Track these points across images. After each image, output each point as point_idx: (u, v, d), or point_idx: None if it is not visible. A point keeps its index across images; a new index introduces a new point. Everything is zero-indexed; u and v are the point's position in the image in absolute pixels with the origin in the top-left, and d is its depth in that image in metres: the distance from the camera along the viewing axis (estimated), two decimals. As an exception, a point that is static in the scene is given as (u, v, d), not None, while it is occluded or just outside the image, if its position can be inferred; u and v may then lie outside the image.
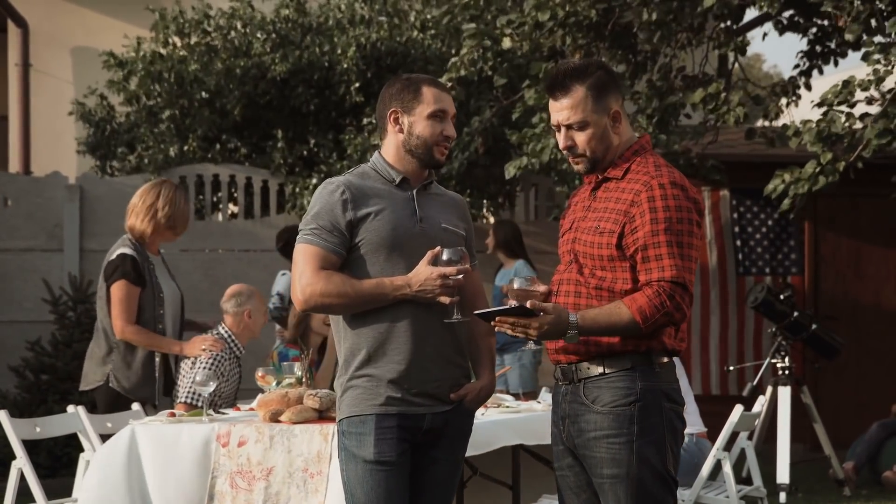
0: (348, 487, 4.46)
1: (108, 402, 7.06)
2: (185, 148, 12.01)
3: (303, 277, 4.42)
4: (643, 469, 4.12)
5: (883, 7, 8.82)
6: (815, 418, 9.87)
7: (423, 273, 4.36)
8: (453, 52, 11.05)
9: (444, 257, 4.36)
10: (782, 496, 9.10)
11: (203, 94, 11.70)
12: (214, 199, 12.17)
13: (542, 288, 4.21)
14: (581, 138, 4.23)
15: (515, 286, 4.15)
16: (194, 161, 12.00)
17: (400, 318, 4.41)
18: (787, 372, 9.57)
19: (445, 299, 4.37)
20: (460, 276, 4.36)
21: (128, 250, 7.09)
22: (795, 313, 9.63)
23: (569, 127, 4.24)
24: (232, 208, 12.42)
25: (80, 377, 7.34)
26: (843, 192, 8.75)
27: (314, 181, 11.54)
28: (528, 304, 4.04)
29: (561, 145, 4.29)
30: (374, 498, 4.38)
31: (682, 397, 4.26)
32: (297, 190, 11.62)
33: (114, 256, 7.10)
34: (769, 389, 9.62)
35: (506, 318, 4.08)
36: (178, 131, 11.97)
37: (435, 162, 4.53)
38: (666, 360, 4.19)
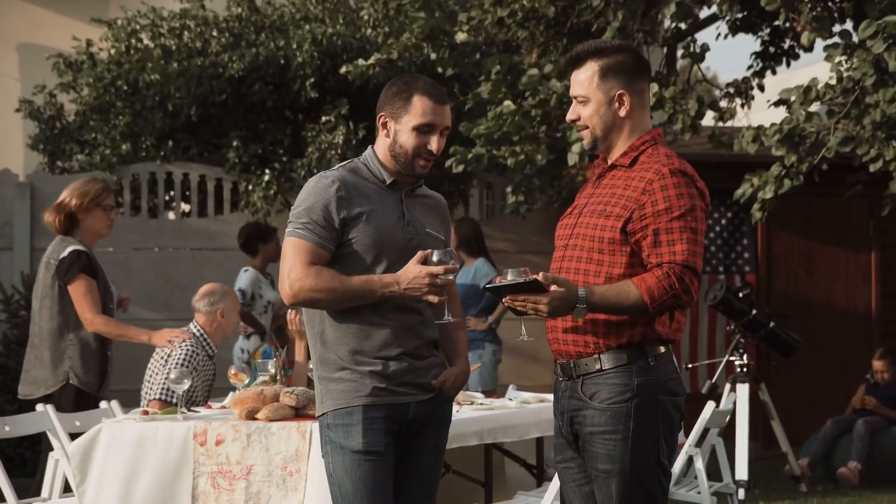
0: (335, 479, 4.45)
1: (74, 401, 7.10)
2: (138, 147, 11.90)
3: (293, 271, 4.41)
4: (636, 465, 4.17)
5: (834, 8, 8.88)
6: (773, 415, 9.96)
7: (412, 271, 4.37)
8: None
9: (434, 258, 4.39)
10: (741, 493, 9.15)
11: (156, 97, 11.59)
12: (167, 197, 12.07)
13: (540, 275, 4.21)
14: (584, 113, 4.33)
15: (509, 278, 4.14)
16: (147, 159, 11.89)
17: (382, 314, 4.44)
18: (745, 369, 9.64)
19: (434, 298, 4.39)
20: (449, 276, 4.39)
21: (80, 247, 7.18)
22: (754, 311, 9.71)
23: (576, 100, 4.35)
24: (185, 207, 12.31)
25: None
26: (795, 191, 8.81)
27: (267, 178, 11.49)
28: (539, 277, 4.05)
29: (568, 117, 4.40)
30: (363, 488, 4.39)
31: (681, 387, 4.30)
32: (251, 188, 11.56)
33: (66, 253, 7.15)
34: (727, 387, 9.68)
35: (516, 294, 4.08)
36: (130, 130, 11.85)
37: (415, 174, 4.53)
38: (662, 349, 4.23)
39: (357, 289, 4.38)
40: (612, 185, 4.29)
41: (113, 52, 11.92)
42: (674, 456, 4.34)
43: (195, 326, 7.12)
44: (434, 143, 4.48)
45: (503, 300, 4.13)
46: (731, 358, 9.74)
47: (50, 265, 7.19)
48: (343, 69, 10.30)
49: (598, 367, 4.19)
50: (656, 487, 4.22)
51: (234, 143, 11.65)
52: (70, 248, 7.15)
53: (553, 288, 4.07)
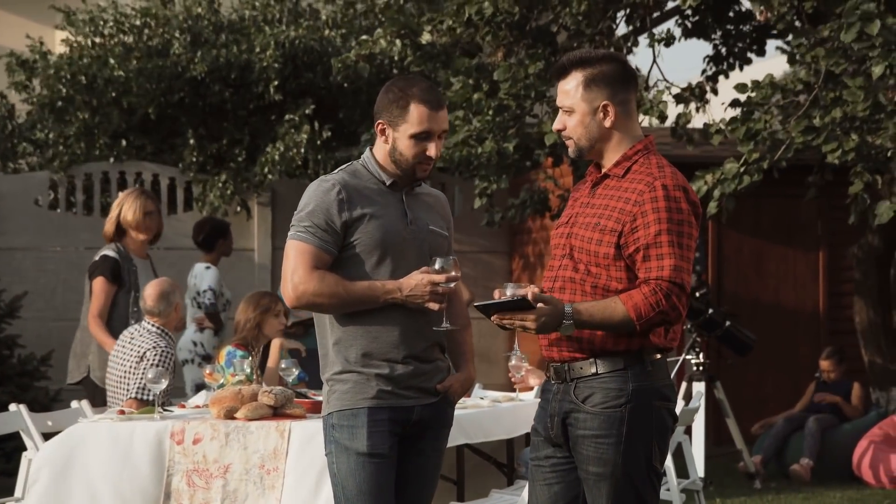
0: (338, 480, 4.49)
1: (91, 395, 7.50)
2: (92, 145, 11.81)
3: (295, 275, 4.45)
4: (628, 468, 4.19)
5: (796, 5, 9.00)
6: (728, 413, 10.08)
7: (415, 279, 4.43)
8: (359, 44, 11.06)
9: (436, 265, 4.44)
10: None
11: (113, 93, 11.52)
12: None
13: (533, 290, 4.21)
14: (570, 123, 4.32)
15: (508, 293, 4.17)
16: (101, 158, 11.80)
17: (391, 317, 4.48)
18: (700, 368, 9.76)
19: (434, 306, 4.45)
20: (450, 285, 4.44)
21: (110, 252, 7.85)
22: (710, 310, 9.82)
23: (562, 110, 4.34)
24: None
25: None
26: (751, 188, 8.89)
27: (224, 179, 11.46)
28: (528, 295, 4.08)
29: (554, 126, 4.40)
30: (367, 490, 4.44)
31: (674, 393, 4.32)
32: (207, 188, 11.52)
33: (97, 257, 7.87)
34: (683, 385, 9.80)
35: (504, 312, 4.12)
36: (85, 129, 11.74)
37: (415, 178, 4.59)
38: (658, 356, 4.25)
39: (360, 294, 4.43)
40: (605, 195, 4.28)
41: (74, 44, 11.81)
42: (665, 459, 4.37)
43: (155, 326, 7.09)
44: (432, 149, 4.52)
45: (491, 318, 4.16)
46: (688, 357, 9.86)
47: (89, 267, 7.94)
48: (334, 62, 10.30)
49: (593, 370, 4.20)
50: (648, 491, 4.24)
51: (191, 142, 11.61)
52: (101, 253, 7.87)
53: (540, 305, 4.09)
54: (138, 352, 6.99)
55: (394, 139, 4.53)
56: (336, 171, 4.62)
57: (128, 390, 6.95)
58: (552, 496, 4.34)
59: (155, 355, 6.91)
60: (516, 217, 10.84)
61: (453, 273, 4.44)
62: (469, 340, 4.78)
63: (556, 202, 10.70)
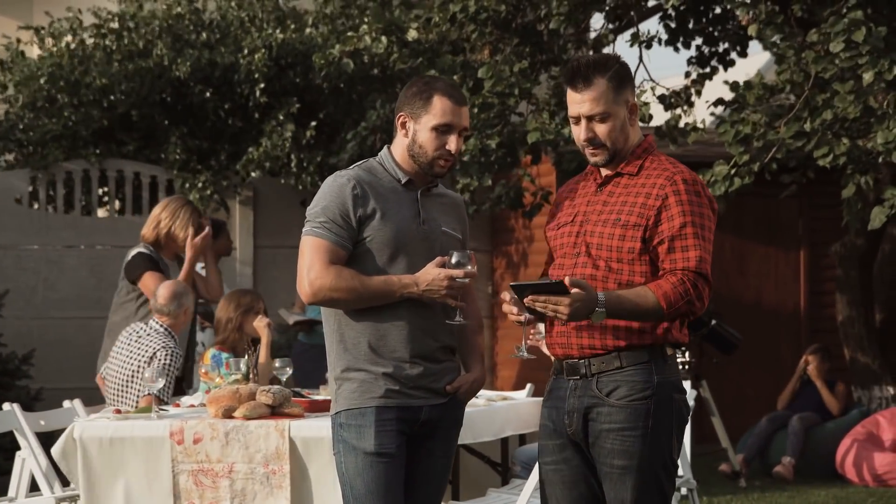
0: (347, 479, 4.48)
1: None
2: (76, 144, 11.71)
3: (311, 271, 4.43)
4: (652, 461, 4.22)
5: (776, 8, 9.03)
6: (714, 412, 10.11)
7: (431, 274, 4.42)
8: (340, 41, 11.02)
9: (453, 260, 4.42)
10: (683, 489, 9.26)
11: (94, 96, 11.42)
12: (101, 192, 11.91)
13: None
14: (602, 130, 4.29)
15: None
16: (82, 156, 11.70)
17: (399, 315, 4.46)
18: (686, 367, 9.76)
19: (452, 301, 4.44)
20: (467, 279, 4.43)
21: (143, 249, 7.81)
22: (696, 309, 9.81)
23: (590, 118, 4.29)
24: (119, 205, 12.15)
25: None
26: (745, 190, 8.90)
27: (204, 178, 11.39)
28: (565, 280, 4.08)
29: (582, 137, 4.32)
30: (375, 489, 4.42)
31: (684, 387, 4.38)
32: (187, 185, 11.46)
33: (130, 257, 7.82)
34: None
35: (538, 295, 4.11)
36: (66, 128, 11.64)
37: (434, 173, 4.56)
38: (671, 351, 4.30)
39: (376, 289, 4.42)
40: (620, 192, 4.31)
41: (54, 49, 11.71)
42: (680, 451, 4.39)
43: (162, 327, 7.08)
44: (453, 144, 4.50)
45: (524, 300, 4.15)
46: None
47: (123, 268, 7.87)
48: (315, 58, 10.27)
49: (616, 364, 4.23)
50: (667, 483, 4.28)
51: (173, 140, 11.53)
52: (136, 251, 7.85)
53: (575, 291, 4.09)
54: (148, 351, 6.97)
55: (414, 132, 4.51)
56: (351, 167, 4.60)
57: (138, 390, 6.92)
58: (572, 500, 4.35)
59: (166, 355, 6.93)
60: (490, 210, 10.87)
61: (470, 267, 4.43)
62: (480, 342, 4.77)
63: (529, 199, 10.69)
